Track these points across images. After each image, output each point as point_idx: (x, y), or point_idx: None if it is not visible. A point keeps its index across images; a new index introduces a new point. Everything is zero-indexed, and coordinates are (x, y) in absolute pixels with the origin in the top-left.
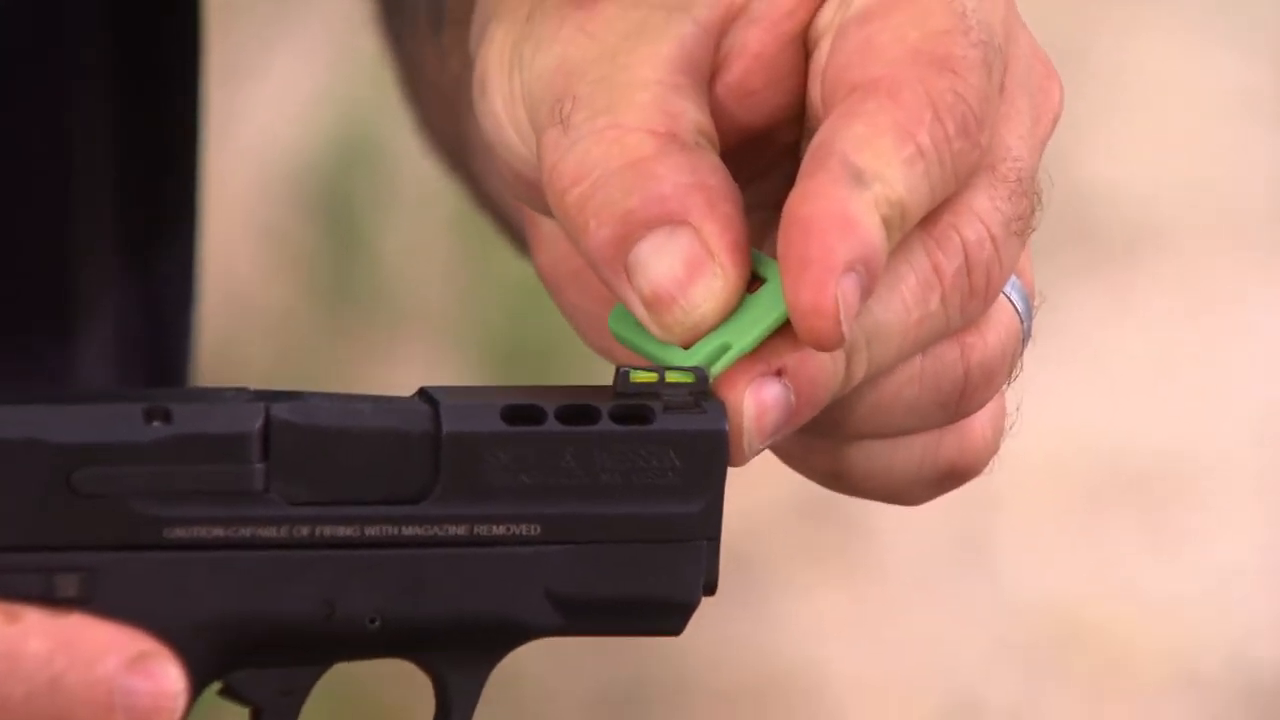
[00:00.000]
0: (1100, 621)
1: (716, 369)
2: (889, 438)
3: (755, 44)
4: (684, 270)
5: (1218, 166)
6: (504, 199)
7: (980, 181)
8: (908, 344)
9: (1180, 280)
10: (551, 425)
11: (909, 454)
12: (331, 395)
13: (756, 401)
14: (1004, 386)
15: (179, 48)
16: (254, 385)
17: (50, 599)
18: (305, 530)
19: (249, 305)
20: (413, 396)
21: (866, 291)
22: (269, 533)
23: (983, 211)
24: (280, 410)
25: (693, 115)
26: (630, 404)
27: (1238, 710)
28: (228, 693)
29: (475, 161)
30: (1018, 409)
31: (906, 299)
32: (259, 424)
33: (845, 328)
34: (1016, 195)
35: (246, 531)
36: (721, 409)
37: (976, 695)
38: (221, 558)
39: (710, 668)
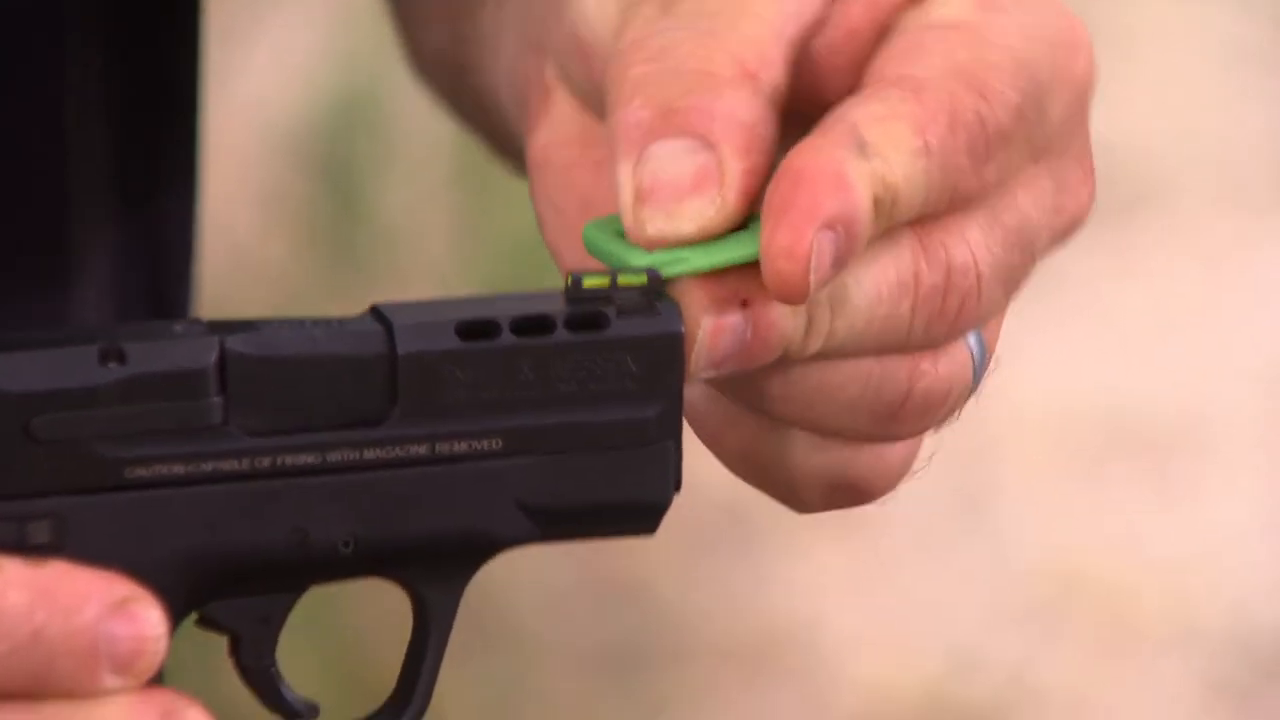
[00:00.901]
0: (1101, 579)
1: (667, 273)
2: (814, 432)
3: (854, 19)
4: (690, 181)
5: (1218, 122)
6: (505, 96)
7: (981, 218)
8: (868, 336)
9: (1182, 236)
10: (507, 338)
11: (824, 457)
12: (285, 321)
13: (714, 322)
14: (931, 430)
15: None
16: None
17: (24, 547)
18: (267, 461)
19: (248, 263)
20: (364, 315)
21: (841, 256)
22: (230, 465)
23: (975, 244)
24: (234, 343)
25: (779, 71)
26: (585, 310)
27: (1239, 667)
28: (205, 623)
29: (477, 55)
30: (999, 361)
31: (881, 291)
32: (214, 358)
33: (812, 279)
34: (1012, 247)
35: (208, 466)
36: (676, 310)
37: (977, 653)
38: (186, 494)
39: (709, 626)
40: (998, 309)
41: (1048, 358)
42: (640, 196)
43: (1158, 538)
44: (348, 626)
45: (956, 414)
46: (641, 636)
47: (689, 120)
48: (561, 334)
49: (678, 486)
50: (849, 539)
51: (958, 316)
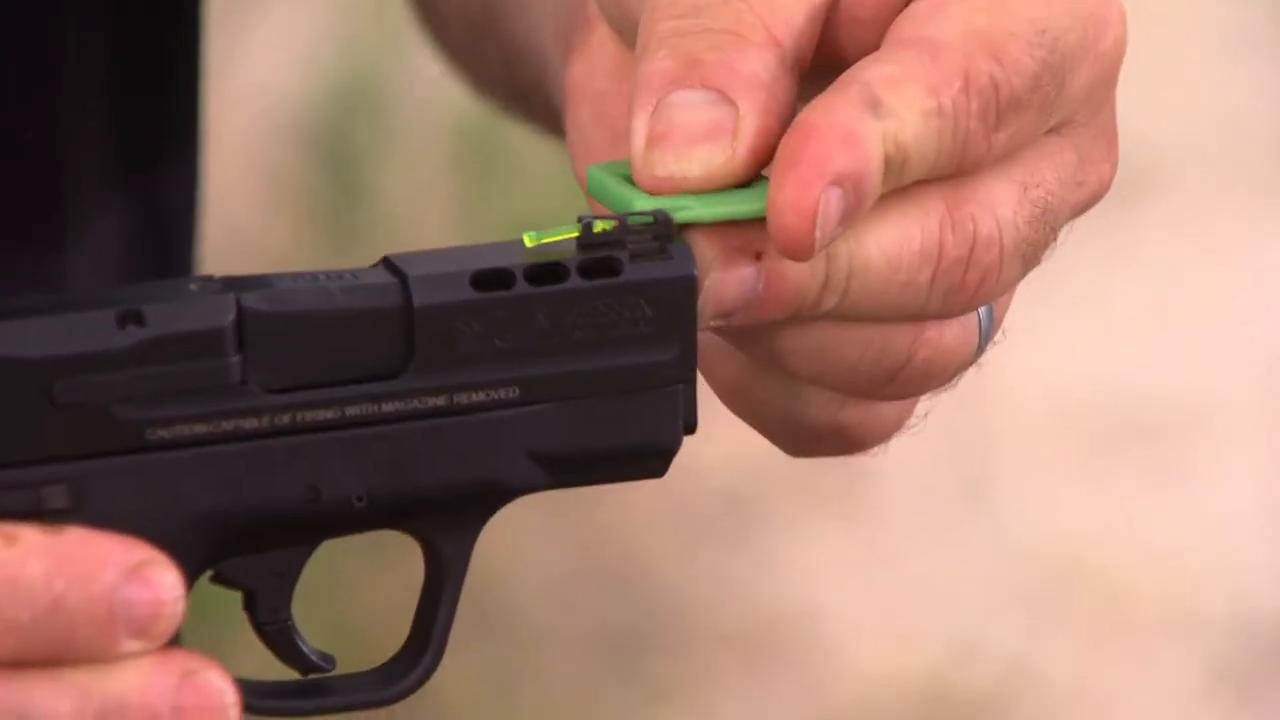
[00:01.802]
0: (1101, 564)
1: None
2: (809, 385)
3: None
4: (702, 131)
5: (1218, 109)
6: (549, 34)
7: (1010, 192)
8: (884, 301)
9: (1182, 224)
10: (521, 288)
11: (818, 405)
12: (298, 275)
13: (723, 271)
14: (928, 395)
15: None
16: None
17: (40, 512)
18: (286, 418)
19: (249, 246)
20: (378, 267)
21: (848, 213)
22: (250, 424)
23: (1003, 219)
24: (251, 300)
25: (804, 37)
26: (598, 256)
27: (1238, 653)
28: (220, 580)
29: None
30: (1003, 334)
31: (903, 257)
32: (231, 317)
33: (818, 235)
34: (1036, 222)
35: (228, 425)
36: (688, 252)
37: (977, 638)
38: (205, 454)
39: (709, 610)
40: (1015, 283)
41: (1048, 345)
42: (653, 139)
43: (1158, 524)
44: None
45: (955, 380)
46: (641, 623)
47: (711, 73)
48: (575, 281)
49: (690, 429)
50: (849, 526)
51: (977, 290)
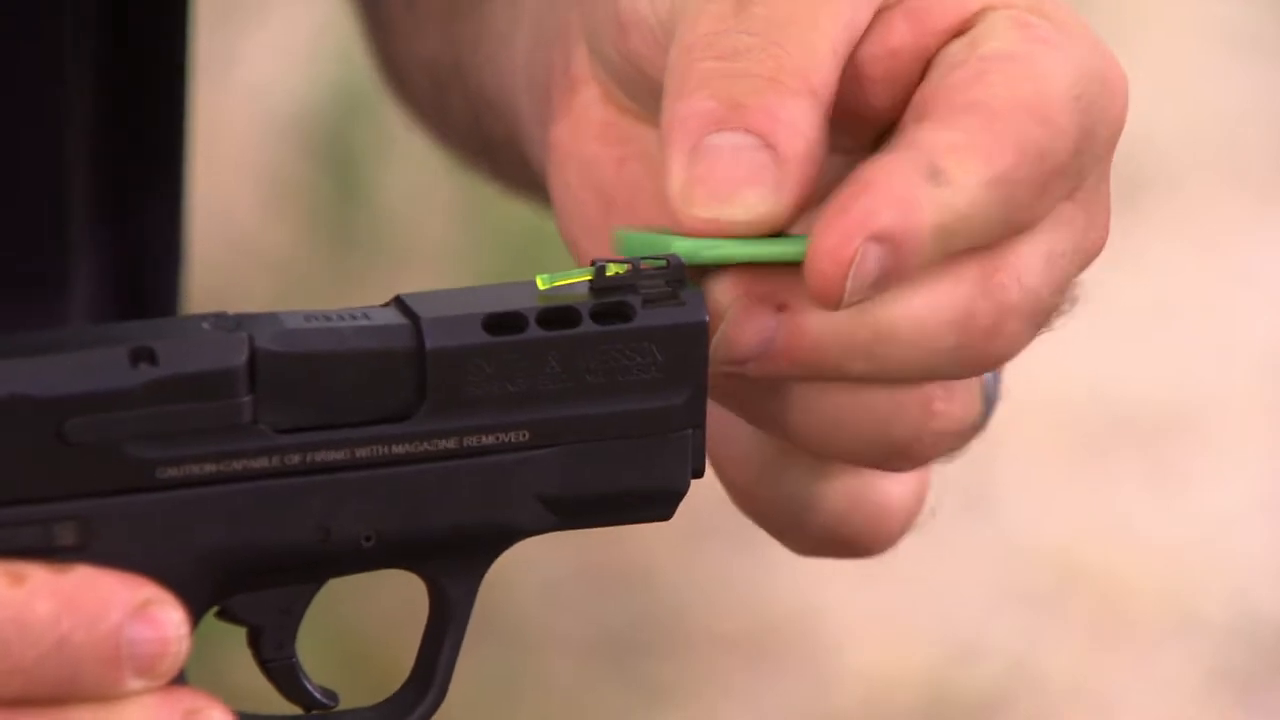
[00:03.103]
0: (1100, 566)
1: (704, 255)
2: (817, 457)
3: (898, 38)
4: (745, 175)
5: (1218, 110)
6: (521, 89)
7: (1038, 261)
8: (907, 366)
9: (1181, 224)
10: (534, 331)
11: (823, 498)
12: (310, 314)
13: (744, 317)
14: (929, 467)
15: None
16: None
17: (49, 549)
18: (296, 458)
19: (249, 249)
20: (389, 306)
21: (888, 273)
22: (261, 464)
23: (1029, 287)
24: (264, 340)
25: (833, 87)
26: (610, 301)
27: (1237, 654)
28: (225, 615)
29: (483, 54)
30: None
31: (930, 325)
32: (244, 357)
33: (849, 285)
34: (1057, 290)
35: (239, 465)
36: (701, 299)
37: (977, 639)
38: (215, 493)
39: (709, 612)
40: (1025, 347)
41: (1047, 346)
42: (694, 179)
43: (1158, 525)
44: (356, 615)
45: (962, 450)
46: (641, 624)
47: (755, 118)
48: (587, 325)
49: (698, 473)
50: None
51: (995, 356)
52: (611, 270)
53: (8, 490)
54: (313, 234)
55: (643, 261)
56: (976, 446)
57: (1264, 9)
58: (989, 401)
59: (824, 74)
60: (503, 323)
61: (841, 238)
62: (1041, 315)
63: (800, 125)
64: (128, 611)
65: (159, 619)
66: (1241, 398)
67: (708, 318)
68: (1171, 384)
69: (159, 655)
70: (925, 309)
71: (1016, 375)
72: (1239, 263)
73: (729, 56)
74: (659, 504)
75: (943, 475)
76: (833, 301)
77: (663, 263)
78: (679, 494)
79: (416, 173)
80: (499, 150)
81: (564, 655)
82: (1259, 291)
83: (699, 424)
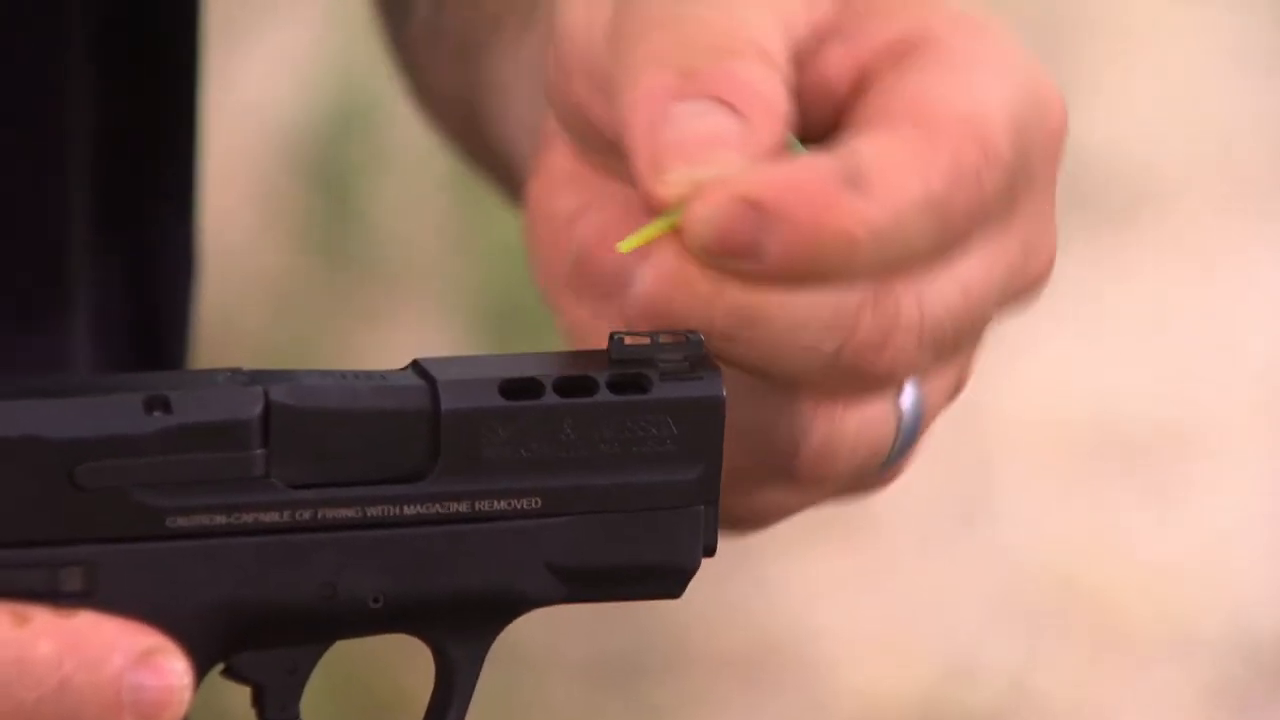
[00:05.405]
0: (1098, 583)
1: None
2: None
3: (833, 64)
4: (712, 135)
5: (1216, 125)
6: (514, 140)
7: (944, 282)
8: (780, 357)
9: (1178, 239)
10: (550, 398)
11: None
12: (326, 373)
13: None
14: (832, 489)
15: (173, 13)
16: (249, 346)
17: (54, 593)
18: (307, 514)
19: (244, 268)
20: (406, 370)
21: (756, 248)
22: (271, 518)
23: (930, 307)
24: (279, 394)
25: (785, 67)
26: (627, 373)
27: (1235, 672)
28: (230, 673)
29: (491, 102)
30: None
31: (806, 323)
32: (259, 410)
33: (703, 231)
34: (963, 315)
35: (249, 518)
36: (718, 375)
37: (973, 658)
38: (224, 545)
39: (707, 632)
40: (918, 373)
41: (1044, 362)
42: (661, 148)
43: (1155, 543)
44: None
45: (868, 487)
46: (639, 645)
47: (714, 83)
48: (604, 395)
49: (710, 551)
50: (846, 546)
51: (879, 376)
52: (630, 341)
53: (16, 531)
54: (306, 253)
55: (661, 336)
56: (974, 463)
57: (1264, 24)
58: (903, 437)
59: (776, 45)
60: (519, 388)
61: (724, 190)
62: (944, 344)
63: (760, 86)
64: (131, 658)
65: (162, 667)
66: (1240, 414)
67: (725, 394)
68: (1170, 400)
69: (161, 704)
70: (804, 306)
71: (1012, 392)
72: (1237, 279)
73: (672, 25)
74: (669, 580)
75: (939, 492)
76: (693, 244)
77: (682, 339)
78: (689, 571)
79: (410, 190)
80: (520, 191)
81: (563, 678)
82: (1258, 307)
83: (712, 500)
